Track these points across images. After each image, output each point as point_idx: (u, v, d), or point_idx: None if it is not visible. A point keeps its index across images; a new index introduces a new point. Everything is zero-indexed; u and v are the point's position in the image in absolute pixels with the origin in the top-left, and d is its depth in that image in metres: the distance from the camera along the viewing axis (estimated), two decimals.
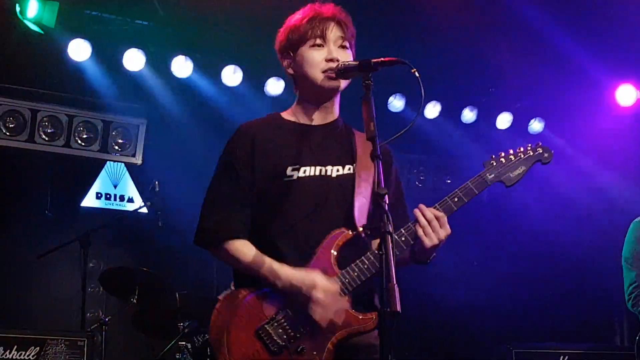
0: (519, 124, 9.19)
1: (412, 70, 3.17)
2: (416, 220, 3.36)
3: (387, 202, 2.91)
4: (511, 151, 3.61)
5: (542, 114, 9.19)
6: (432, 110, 8.85)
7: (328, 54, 3.45)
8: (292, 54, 3.53)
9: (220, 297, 3.35)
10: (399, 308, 2.71)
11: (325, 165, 3.46)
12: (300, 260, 3.30)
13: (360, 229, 3.34)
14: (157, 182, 7.21)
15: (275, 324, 3.25)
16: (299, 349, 3.22)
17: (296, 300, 3.23)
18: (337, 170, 3.47)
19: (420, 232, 3.33)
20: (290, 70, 3.56)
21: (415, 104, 8.57)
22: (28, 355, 5.58)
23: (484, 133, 9.17)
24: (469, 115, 9.10)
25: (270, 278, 3.26)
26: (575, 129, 9.00)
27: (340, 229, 3.37)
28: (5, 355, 5.51)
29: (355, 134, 3.60)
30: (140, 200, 8.67)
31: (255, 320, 3.26)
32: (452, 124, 9.09)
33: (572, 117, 9.00)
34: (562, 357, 7.21)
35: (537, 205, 8.97)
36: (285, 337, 3.24)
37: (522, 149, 3.62)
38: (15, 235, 8.04)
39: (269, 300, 3.28)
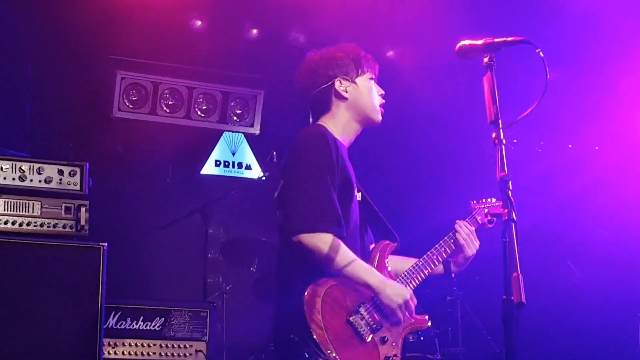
0: None
1: (537, 51, 3.11)
2: (455, 232, 3.92)
3: (511, 188, 2.88)
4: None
5: None
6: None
7: (380, 90, 3.88)
8: (349, 79, 3.79)
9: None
10: (524, 299, 2.68)
11: (358, 191, 3.80)
12: None
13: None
14: (274, 153, 7.26)
15: (361, 315, 3.46)
16: (384, 339, 3.49)
17: (381, 300, 3.50)
18: (359, 196, 3.80)
19: (462, 242, 3.90)
20: (345, 93, 3.78)
21: None
22: (154, 326, 5.73)
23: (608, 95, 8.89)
24: (591, 77, 8.83)
25: (365, 276, 3.48)
26: None
27: (385, 241, 3.81)
28: (132, 326, 5.68)
29: None
30: (259, 168, 8.78)
31: (343, 309, 3.43)
32: (574, 87, 8.82)
33: None
34: None
35: None
36: (369, 328, 3.46)
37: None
38: (138, 204, 8.26)
39: (349, 292, 3.48)
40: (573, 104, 8.86)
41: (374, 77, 3.87)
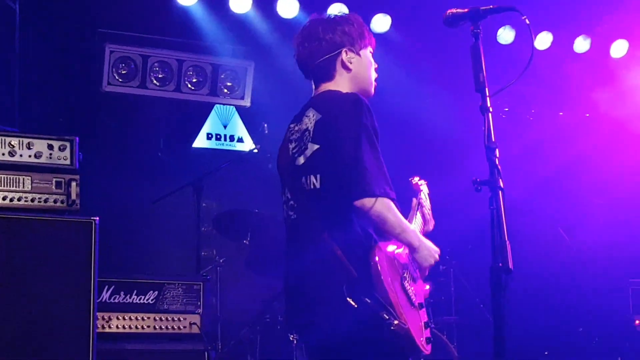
0: (636, 52, 8.84)
1: (523, 18, 3.12)
2: (422, 207, 4.16)
3: (498, 156, 2.90)
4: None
5: None
6: (544, 40, 8.60)
7: (375, 63, 3.89)
8: (354, 51, 3.76)
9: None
10: (511, 265, 2.71)
11: None
12: None
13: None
14: (265, 125, 7.27)
15: (407, 281, 3.49)
16: (421, 305, 3.53)
17: (418, 258, 3.53)
18: None
19: (427, 216, 4.14)
20: (349, 64, 3.75)
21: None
22: (147, 299, 5.76)
23: (598, 62, 8.90)
24: (582, 44, 8.82)
25: (413, 239, 3.49)
26: None
27: None
28: (126, 300, 5.71)
29: None
30: (250, 140, 8.78)
31: (397, 274, 3.45)
32: (564, 54, 8.83)
33: None
34: None
35: None
36: (413, 294, 3.49)
37: None
38: (130, 179, 8.26)
39: (395, 257, 3.50)
40: (564, 71, 8.88)
41: (372, 50, 3.87)
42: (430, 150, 8.88)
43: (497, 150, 2.88)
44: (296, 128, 3.68)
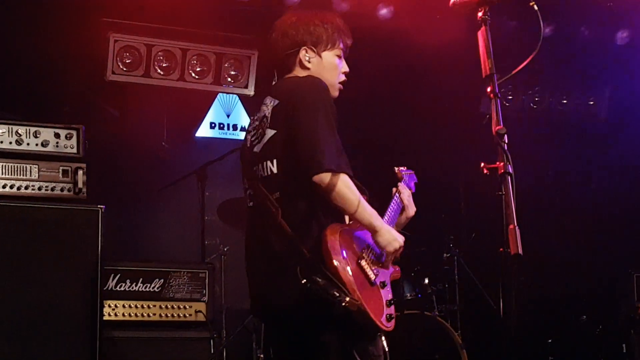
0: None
1: (531, 4, 3.12)
2: (400, 193, 4.03)
3: (507, 141, 2.90)
4: None
5: None
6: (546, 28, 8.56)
7: (345, 67, 3.82)
8: (315, 51, 3.71)
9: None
10: (520, 251, 2.70)
11: None
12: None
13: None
14: None
15: (365, 260, 3.50)
16: (383, 284, 3.54)
17: (379, 242, 3.51)
18: None
19: (406, 202, 4.03)
20: (307, 63, 3.70)
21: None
22: (153, 287, 5.78)
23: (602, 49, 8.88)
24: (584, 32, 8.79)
25: (373, 219, 3.47)
26: None
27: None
28: (132, 288, 5.72)
29: None
30: None
31: (353, 252, 3.45)
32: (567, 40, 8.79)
33: None
34: None
35: None
36: (372, 272, 3.50)
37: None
38: (135, 168, 8.27)
39: (353, 236, 3.51)
40: (567, 58, 8.86)
41: (342, 52, 3.79)
42: (436, 136, 8.86)
43: (505, 136, 2.88)
44: (255, 118, 3.69)
